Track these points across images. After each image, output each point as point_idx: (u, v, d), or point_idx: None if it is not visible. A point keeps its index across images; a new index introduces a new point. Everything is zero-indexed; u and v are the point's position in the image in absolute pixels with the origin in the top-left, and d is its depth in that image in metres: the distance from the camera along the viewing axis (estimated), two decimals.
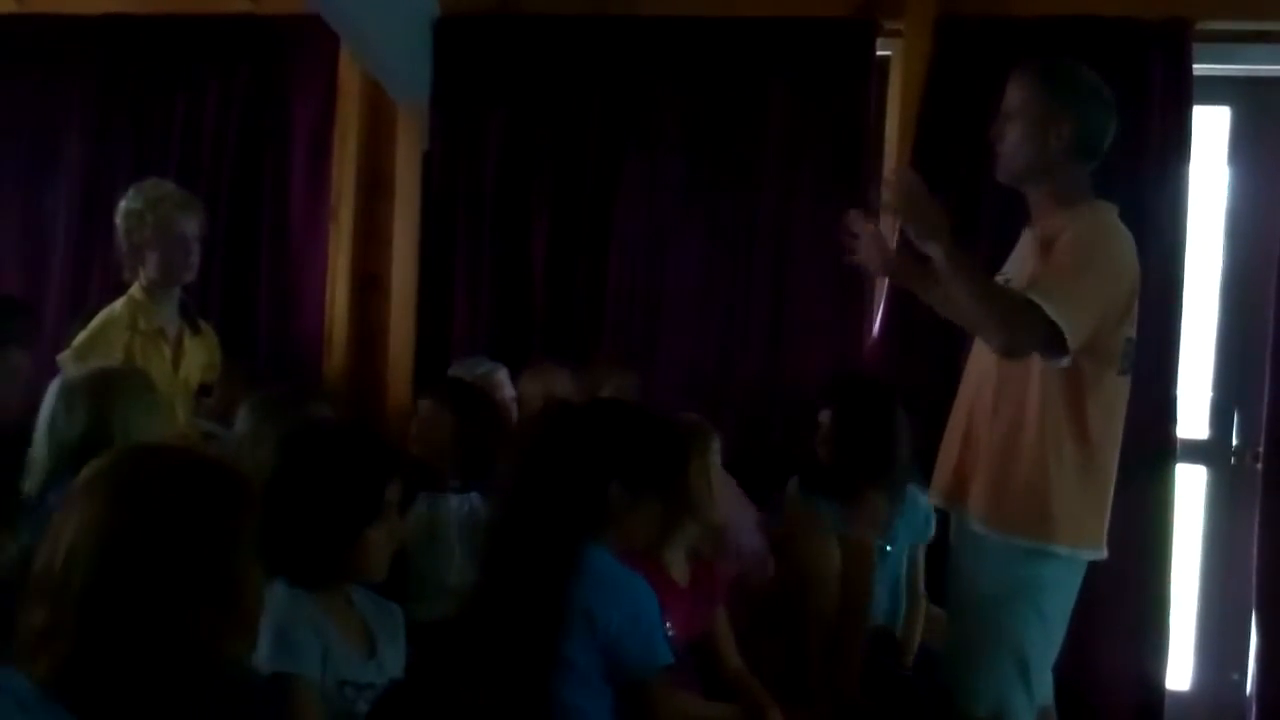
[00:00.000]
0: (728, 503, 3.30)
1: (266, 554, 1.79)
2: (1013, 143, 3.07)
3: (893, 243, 3.44)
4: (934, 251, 2.86)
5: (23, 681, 1.60)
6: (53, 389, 3.23)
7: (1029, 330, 2.81)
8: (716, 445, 3.24)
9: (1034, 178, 3.08)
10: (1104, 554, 3.08)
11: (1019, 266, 3.12)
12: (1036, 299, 2.80)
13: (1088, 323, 2.84)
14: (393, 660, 2.34)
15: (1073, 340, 2.82)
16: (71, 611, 1.62)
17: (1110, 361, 2.96)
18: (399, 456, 2.46)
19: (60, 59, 5.05)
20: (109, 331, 3.75)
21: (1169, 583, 4.21)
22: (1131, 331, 3.03)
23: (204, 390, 4.05)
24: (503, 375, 4.25)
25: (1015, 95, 3.09)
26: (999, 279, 3.16)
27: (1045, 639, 3.06)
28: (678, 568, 3.04)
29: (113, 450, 1.86)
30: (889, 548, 3.78)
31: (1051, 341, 2.82)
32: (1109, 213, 3.04)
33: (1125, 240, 3.00)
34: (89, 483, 1.71)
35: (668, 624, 2.74)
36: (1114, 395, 3.02)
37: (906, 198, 2.89)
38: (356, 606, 2.37)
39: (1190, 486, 4.40)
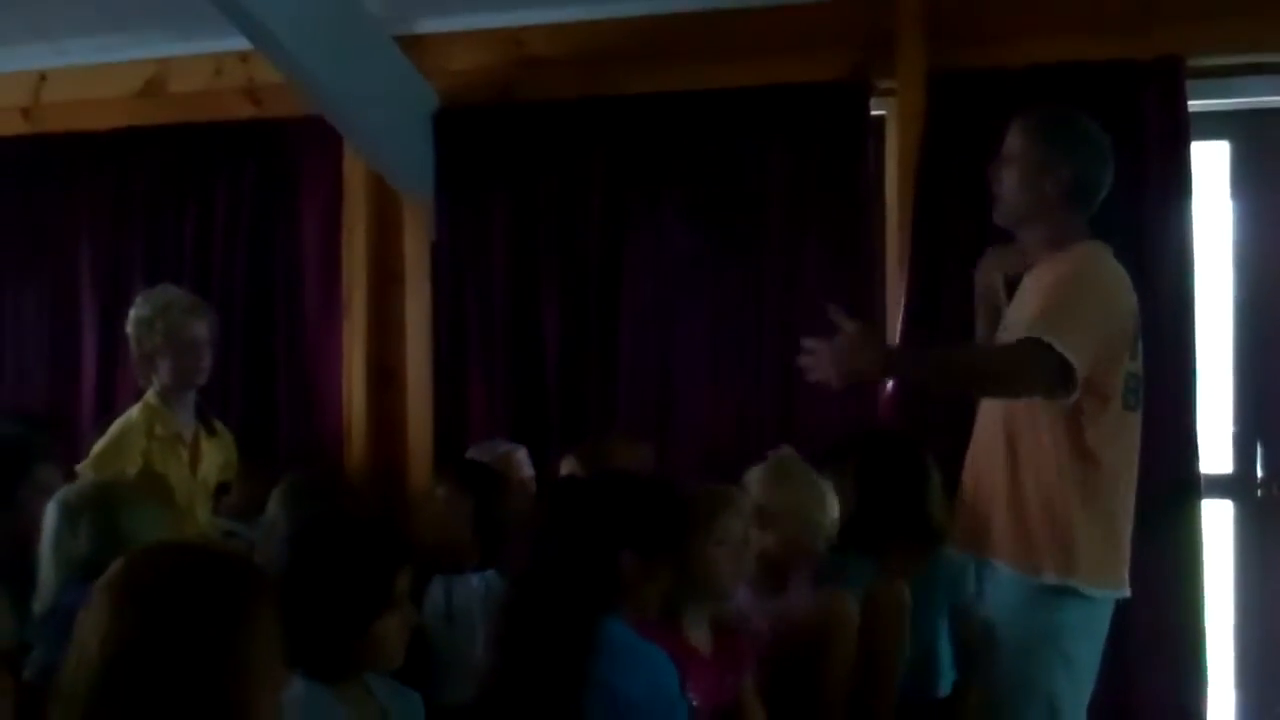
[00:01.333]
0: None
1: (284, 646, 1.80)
2: (1010, 187, 3.15)
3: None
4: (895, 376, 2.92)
5: None
6: (51, 508, 3.22)
7: (1037, 369, 2.84)
8: (739, 513, 3.19)
9: (1029, 222, 3.15)
10: (1126, 592, 3.07)
11: (1018, 314, 3.14)
12: (1039, 335, 2.82)
13: (1091, 351, 2.86)
14: None
15: (1080, 369, 2.83)
16: (79, 710, 1.63)
17: (1113, 396, 2.98)
18: (409, 544, 2.46)
19: (72, 174, 5.17)
20: (127, 439, 3.79)
21: (1204, 620, 4.15)
22: (1135, 366, 3.04)
23: (222, 489, 4.08)
24: (521, 455, 4.27)
25: (1015, 140, 3.17)
26: (1004, 323, 3.18)
27: (1074, 685, 3.04)
28: (699, 636, 3.02)
29: (141, 550, 1.87)
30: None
31: (1060, 376, 2.83)
32: (1100, 250, 3.09)
33: (1116, 274, 3.05)
34: (101, 587, 1.73)
35: (691, 694, 2.74)
36: (1122, 431, 3.03)
37: (837, 364, 2.95)
38: (375, 696, 2.37)
39: (1217, 522, 4.35)
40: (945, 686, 3.67)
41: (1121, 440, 3.04)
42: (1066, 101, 4.00)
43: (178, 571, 1.78)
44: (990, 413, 3.19)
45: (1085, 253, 3.07)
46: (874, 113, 4.48)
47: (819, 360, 2.96)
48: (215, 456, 4.02)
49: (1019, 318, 3.08)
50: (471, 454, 4.23)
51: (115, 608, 1.70)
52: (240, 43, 4.18)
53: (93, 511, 3.10)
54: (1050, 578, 2.98)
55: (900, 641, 3.41)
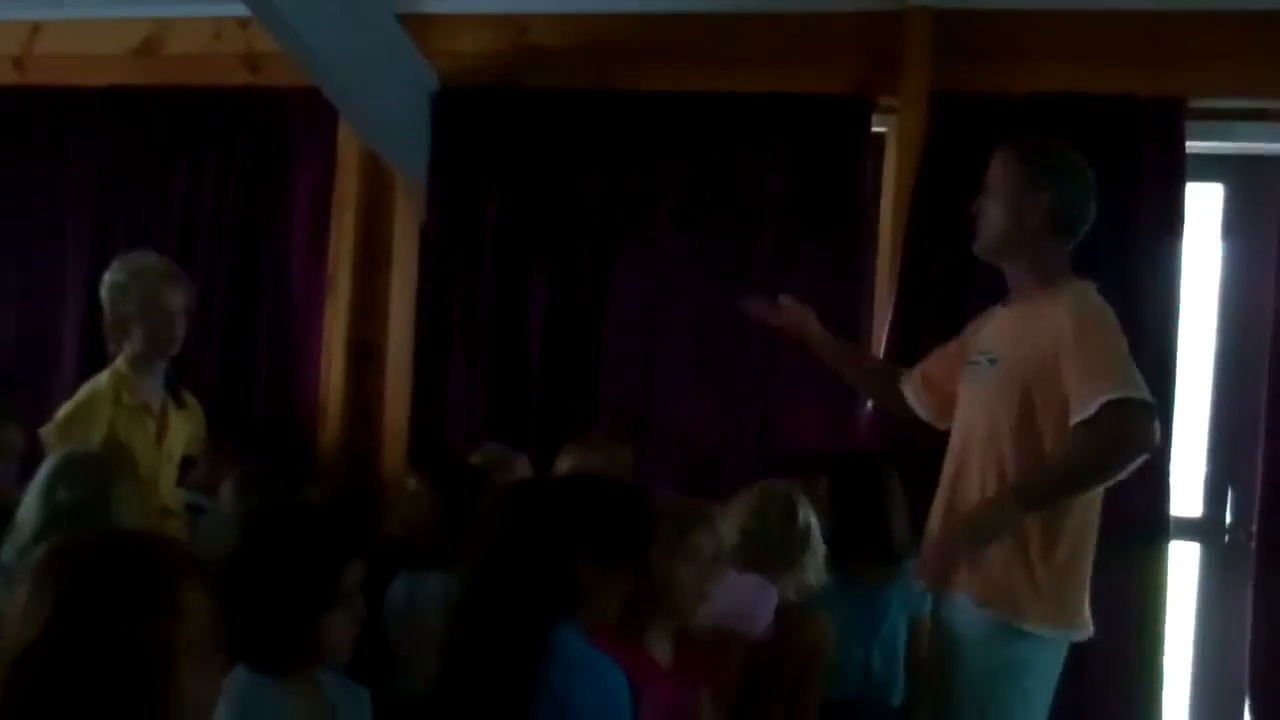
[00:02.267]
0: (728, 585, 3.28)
1: (228, 637, 1.79)
2: (990, 217, 3.15)
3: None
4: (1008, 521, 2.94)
5: None
6: (53, 458, 3.30)
7: (1136, 426, 2.85)
8: (712, 530, 3.17)
9: (1010, 253, 3.15)
10: (1089, 634, 3.07)
11: (1009, 347, 3.12)
12: (1113, 396, 2.81)
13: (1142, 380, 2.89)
14: None
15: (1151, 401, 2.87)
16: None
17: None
18: (363, 537, 2.43)
19: (60, 129, 5.11)
20: (93, 406, 3.75)
21: (1162, 662, 4.16)
22: None
23: (188, 463, 4.05)
24: (520, 465, 4.17)
25: (996, 171, 3.17)
26: (979, 357, 3.16)
27: None
28: (661, 650, 3.01)
29: (70, 533, 1.86)
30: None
31: (1150, 418, 2.87)
32: (1093, 289, 3.09)
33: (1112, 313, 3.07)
34: (36, 564, 1.71)
35: (649, 709, 2.73)
36: None
37: (938, 572, 3.02)
38: (323, 689, 2.35)
39: (1184, 564, 4.37)
40: (897, 698, 3.73)
41: None
42: (1067, 133, 4.02)
43: (101, 556, 1.75)
44: (959, 446, 3.20)
45: (1083, 294, 3.07)
46: (875, 129, 4.47)
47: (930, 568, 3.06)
48: (183, 429, 3.99)
49: (1016, 350, 3.08)
50: (473, 459, 4.15)
51: (37, 591, 1.69)
52: (241, 8, 4.13)
53: (97, 471, 3.16)
54: (1015, 621, 2.98)
55: (822, 672, 3.42)
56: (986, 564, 3.01)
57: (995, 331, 3.24)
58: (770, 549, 3.43)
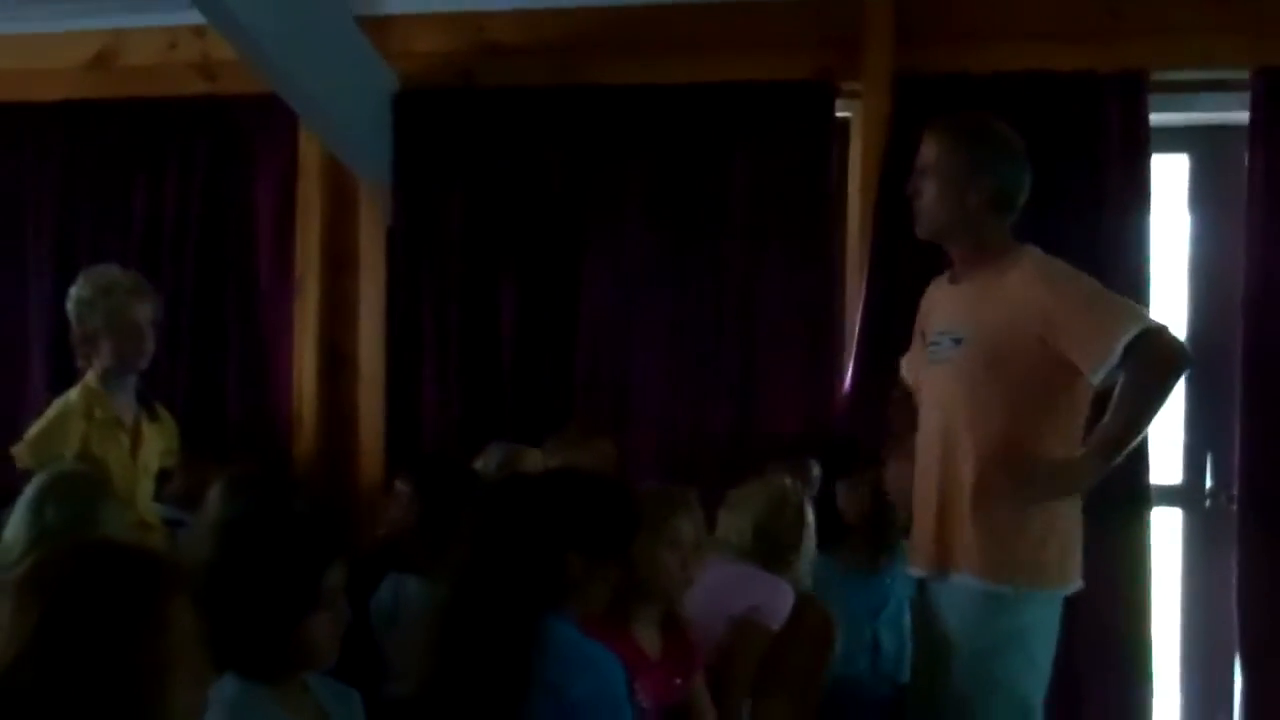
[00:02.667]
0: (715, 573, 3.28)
1: (213, 646, 1.77)
2: (930, 199, 3.15)
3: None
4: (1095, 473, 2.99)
5: None
6: (40, 477, 3.30)
7: (1168, 353, 2.95)
8: (691, 515, 3.17)
9: (954, 234, 3.16)
10: (1080, 584, 3.13)
11: (972, 324, 3.11)
12: (1133, 334, 2.87)
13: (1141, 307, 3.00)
14: None
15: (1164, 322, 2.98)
16: None
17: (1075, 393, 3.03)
18: (342, 539, 2.40)
19: (17, 146, 5.07)
20: (65, 422, 3.71)
21: (1150, 627, 4.20)
22: None
23: (163, 476, 4.01)
24: (532, 460, 4.10)
25: (931, 151, 3.17)
26: (940, 337, 3.19)
27: (1038, 684, 3.08)
28: (648, 638, 3.00)
29: (54, 546, 1.84)
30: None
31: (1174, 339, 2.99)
32: (1039, 252, 3.12)
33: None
34: (20, 579, 1.69)
35: (639, 695, 2.72)
36: (1077, 428, 3.06)
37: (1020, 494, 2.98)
38: (314, 695, 2.32)
39: (1167, 530, 4.40)
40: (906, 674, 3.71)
41: (1072, 435, 3.06)
42: (1030, 110, 4.06)
43: (84, 568, 1.75)
44: (928, 431, 3.20)
45: (1033, 257, 3.10)
46: (839, 114, 4.46)
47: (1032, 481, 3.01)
48: (156, 442, 3.94)
49: (977, 324, 3.08)
50: (481, 458, 4.09)
51: (20, 605, 1.68)
52: (196, 17, 4.09)
53: (86, 490, 3.17)
54: (1026, 587, 3.01)
55: (827, 662, 3.45)
56: (987, 538, 3.02)
57: (951, 310, 3.22)
58: (783, 547, 3.47)
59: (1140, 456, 4.15)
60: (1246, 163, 4.17)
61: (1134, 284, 4.15)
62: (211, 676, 1.91)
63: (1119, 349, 2.88)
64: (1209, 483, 4.42)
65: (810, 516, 3.53)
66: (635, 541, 2.68)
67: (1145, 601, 4.19)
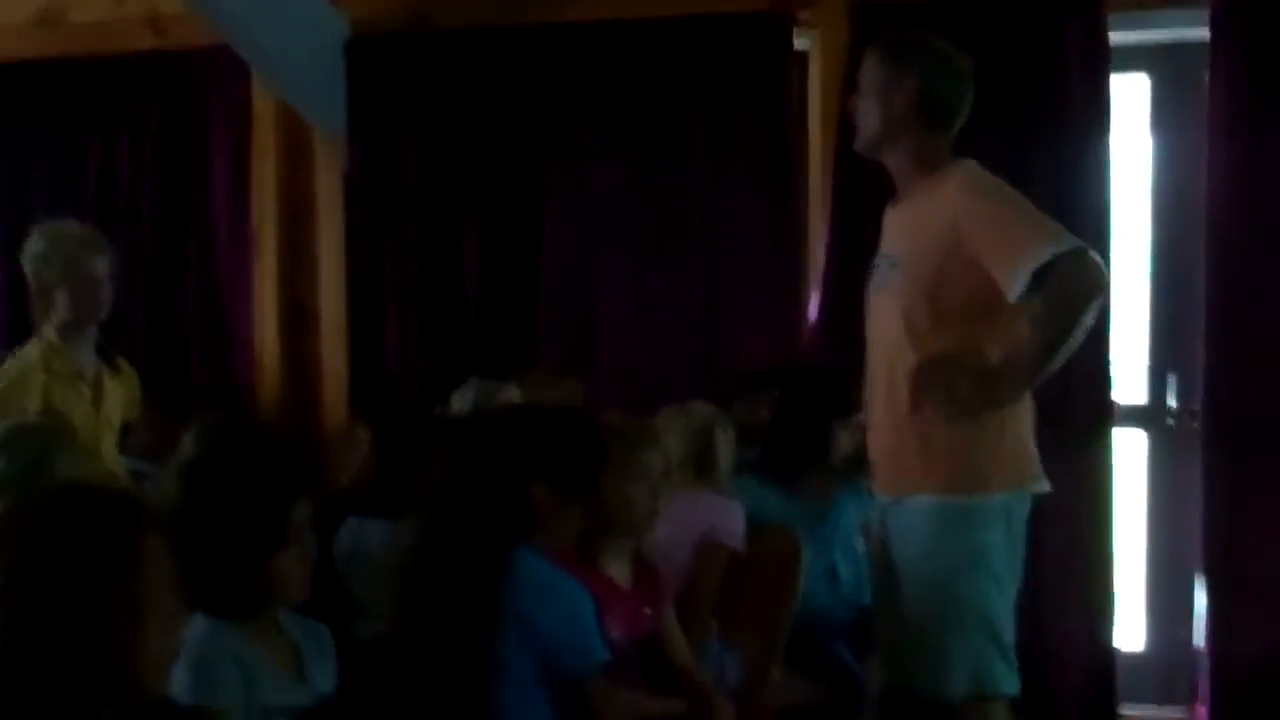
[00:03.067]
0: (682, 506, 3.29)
1: (183, 586, 1.76)
2: (861, 113, 3.14)
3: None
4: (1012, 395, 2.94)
5: None
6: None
7: (1081, 281, 2.84)
8: (657, 448, 3.17)
9: (885, 146, 3.14)
10: (1046, 486, 3.10)
11: (907, 246, 3.10)
12: (1046, 258, 2.80)
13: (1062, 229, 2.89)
14: (323, 680, 2.29)
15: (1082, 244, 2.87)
16: None
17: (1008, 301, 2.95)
18: (308, 476, 2.39)
19: None
20: (25, 376, 3.67)
21: (1113, 545, 4.23)
22: None
23: (126, 429, 3.99)
24: (510, 396, 4.11)
25: (864, 65, 3.17)
26: (880, 261, 3.17)
27: (1005, 601, 3.06)
28: (618, 570, 3.00)
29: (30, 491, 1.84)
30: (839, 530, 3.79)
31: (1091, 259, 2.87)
32: (974, 165, 3.07)
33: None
34: None
35: (610, 627, 2.73)
36: (1010, 326, 3.00)
37: (952, 393, 2.94)
38: (283, 629, 2.32)
39: (1130, 451, 4.43)
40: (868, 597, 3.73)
41: (1006, 341, 3.00)
42: (990, 32, 4.05)
43: (60, 510, 1.76)
44: (874, 358, 3.18)
45: (965, 168, 3.05)
46: (797, 45, 4.43)
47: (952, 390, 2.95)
48: (119, 394, 3.91)
49: (914, 247, 3.06)
50: (457, 395, 4.08)
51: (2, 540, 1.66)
52: None
53: (37, 439, 3.11)
54: (983, 493, 2.99)
55: (792, 586, 3.44)
56: (935, 455, 3.01)
57: (890, 232, 3.22)
58: (709, 466, 3.49)
59: (1103, 376, 4.18)
60: (1207, 80, 4.17)
61: (1096, 206, 4.16)
62: (185, 618, 1.91)
63: (1027, 273, 2.83)
64: (1172, 403, 4.44)
65: (729, 434, 3.52)
66: (602, 475, 2.69)
67: (1108, 520, 4.22)
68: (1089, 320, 2.86)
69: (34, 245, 3.80)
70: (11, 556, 1.67)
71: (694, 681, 2.96)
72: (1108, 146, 4.20)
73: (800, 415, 3.78)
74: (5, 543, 1.69)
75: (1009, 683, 3.05)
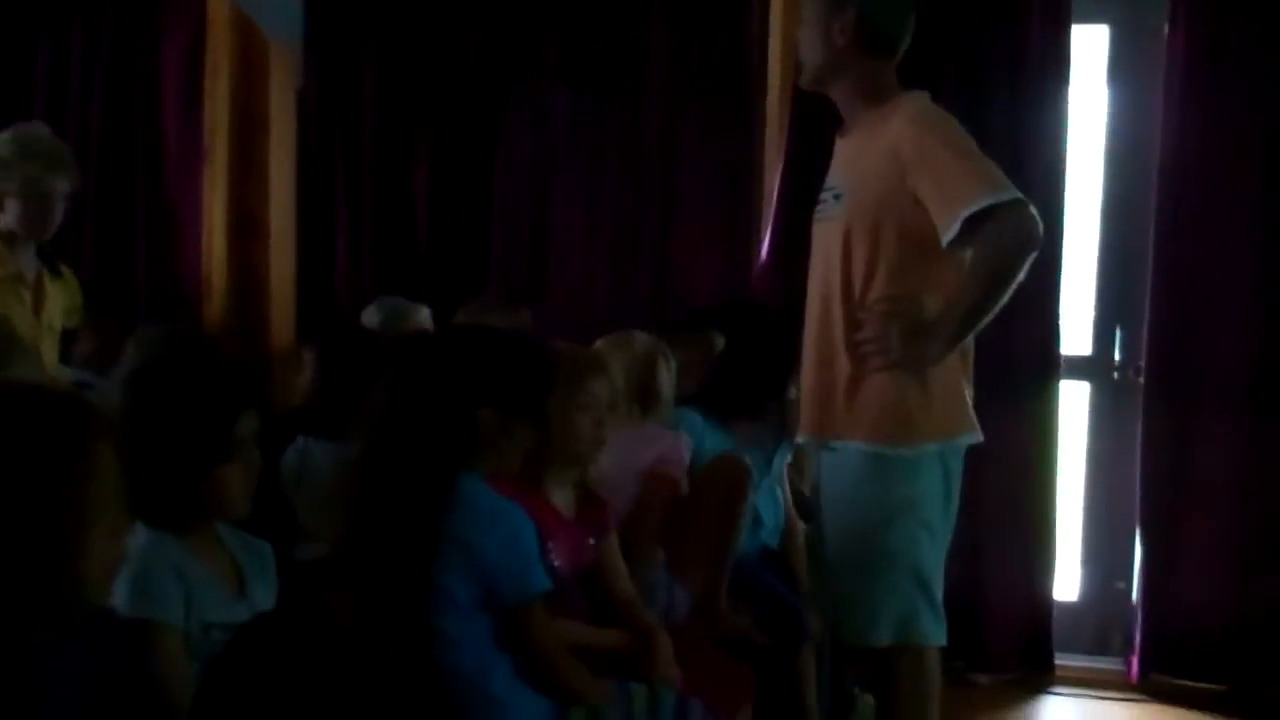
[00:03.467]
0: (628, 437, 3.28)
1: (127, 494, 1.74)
2: (804, 45, 3.06)
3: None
4: (942, 351, 2.86)
5: None
6: None
7: (1019, 229, 2.76)
8: (605, 377, 3.15)
9: (829, 78, 3.04)
10: (979, 436, 3.02)
11: (851, 177, 3.00)
12: (982, 205, 2.72)
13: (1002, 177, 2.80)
14: (263, 598, 2.27)
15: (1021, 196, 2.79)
16: None
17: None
18: (254, 390, 2.37)
19: None
20: None
21: (1054, 496, 4.30)
22: None
23: (69, 336, 3.94)
24: (423, 316, 4.14)
25: (803, 1, 3.09)
26: (825, 193, 3.09)
27: (936, 549, 3.01)
28: (562, 499, 2.99)
29: None
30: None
31: (1027, 211, 2.78)
32: (925, 98, 2.99)
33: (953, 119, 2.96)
34: None
35: (553, 556, 2.72)
36: (946, 273, 2.92)
37: (884, 346, 2.88)
38: (226, 546, 2.30)
39: (1074, 402, 4.46)
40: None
41: (946, 282, 2.92)
42: None
43: (13, 410, 1.70)
44: (811, 292, 3.10)
45: (915, 104, 2.95)
46: None
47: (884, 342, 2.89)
48: (59, 299, 3.85)
49: (862, 181, 2.96)
50: (367, 311, 4.07)
51: None
52: None
53: None
54: (913, 442, 2.91)
55: (741, 514, 3.41)
56: (865, 401, 2.94)
57: (837, 163, 3.12)
58: (652, 396, 3.43)
59: (1050, 327, 4.21)
60: (1166, 34, 4.17)
61: (1051, 157, 4.19)
62: (130, 528, 1.88)
63: (960, 218, 2.75)
64: (1118, 356, 4.49)
65: (671, 365, 3.48)
66: (548, 402, 2.67)
67: (1050, 470, 4.27)
68: (1021, 275, 2.80)
69: (1, 149, 3.71)
70: None
71: (634, 613, 2.94)
72: (1066, 97, 4.22)
73: (747, 357, 3.76)
74: None
75: (937, 634, 3.00)
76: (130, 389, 2.29)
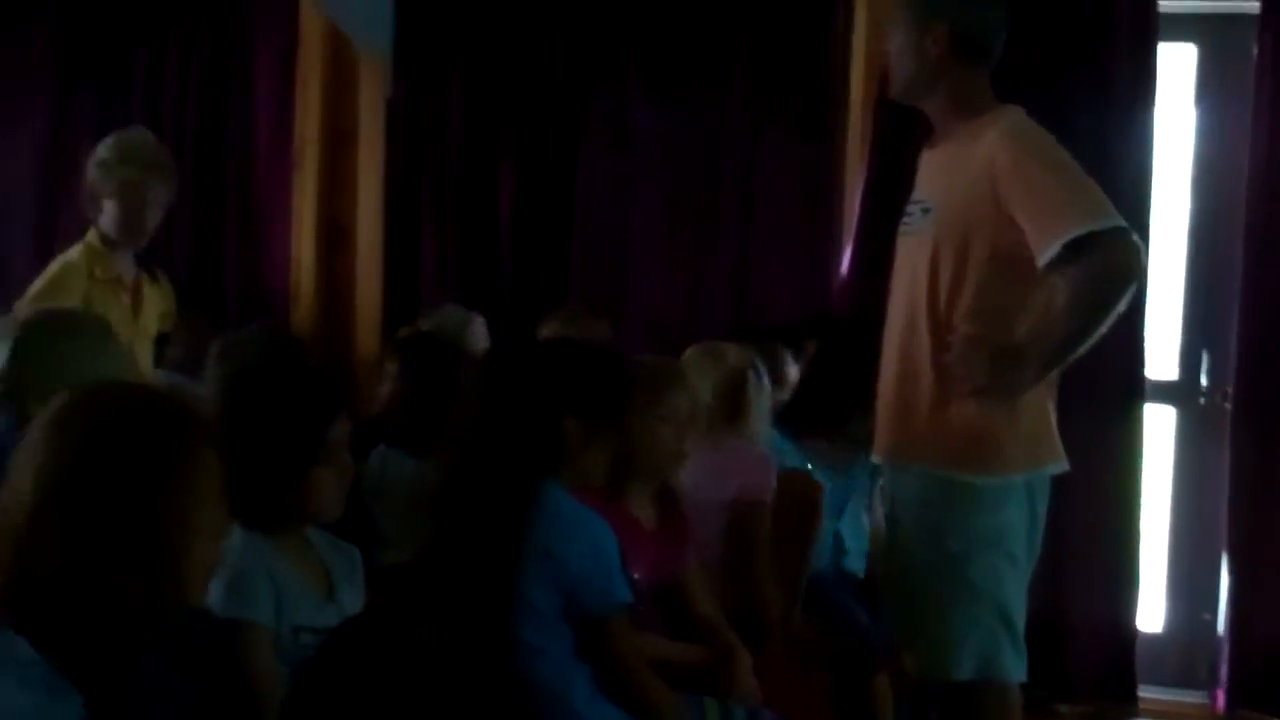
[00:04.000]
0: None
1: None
2: (894, 57, 3.00)
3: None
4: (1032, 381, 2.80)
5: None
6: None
7: (1115, 265, 2.69)
8: (685, 389, 3.15)
9: (923, 89, 2.98)
10: (1065, 465, 2.95)
11: (941, 191, 2.93)
12: (1081, 231, 2.65)
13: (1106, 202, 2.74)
14: (351, 602, 2.30)
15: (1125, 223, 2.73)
16: (9, 546, 1.60)
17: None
18: (345, 396, 2.42)
19: (19, 24, 4.99)
20: (67, 279, 3.67)
21: (1139, 524, 4.23)
22: None
23: (161, 340, 4.01)
24: (478, 326, 4.19)
25: (894, 10, 3.03)
26: (913, 206, 3.03)
27: (1019, 583, 2.92)
28: (643, 510, 3.01)
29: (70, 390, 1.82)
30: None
31: (1129, 239, 2.72)
32: (1021, 112, 2.91)
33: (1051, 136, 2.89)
34: (42, 420, 1.69)
35: (633, 567, 2.74)
36: (1055, 301, 2.84)
37: (971, 372, 2.82)
38: (316, 549, 2.34)
39: (1159, 427, 4.41)
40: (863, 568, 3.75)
41: (1034, 302, 2.85)
42: None
43: (120, 408, 1.73)
44: (894, 309, 3.04)
45: (1011, 115, 2.89)
46: None
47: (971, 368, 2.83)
48: (156, 304, 3.94)
49: (948, 194, 2.90)
50: (424, 322, 4.15)
51: (53, 440, 1.66)
52: None
53: (20, 335, 2.87)
54: (979, 474, 2.84)
55: (814, 535, 3.42)
56: (952, 427, 2.86)
57: (925, 176, 3.05)
58: (739, 414, 3.40)
59: (1135, 351, 4.17)
60: (1255, 54, 4.13)
61: (1137, 176, 4.15)
62: (228, 532, 1.89)
63: (1060, 244, 2.67)
64: (1204, 380, 4.43)
65: (764, 383, 3.45)
66: (630, 413, 2.69)
67: (1135, 497, 4.21)
68: (1121, 306, 2.72)
69: (103, 151, 3.78)
70: (69, 452, 1.65)
71: (715, 631, 2.92)
72: (1152, 116, 4.19)
73: (830, 373, 3.72)
74: (64, 436, 1.66)
75: (1017, 670, 2.91)
76: (227, 392, 2.33)
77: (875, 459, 3.16)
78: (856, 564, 3.76)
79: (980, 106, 2.92)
